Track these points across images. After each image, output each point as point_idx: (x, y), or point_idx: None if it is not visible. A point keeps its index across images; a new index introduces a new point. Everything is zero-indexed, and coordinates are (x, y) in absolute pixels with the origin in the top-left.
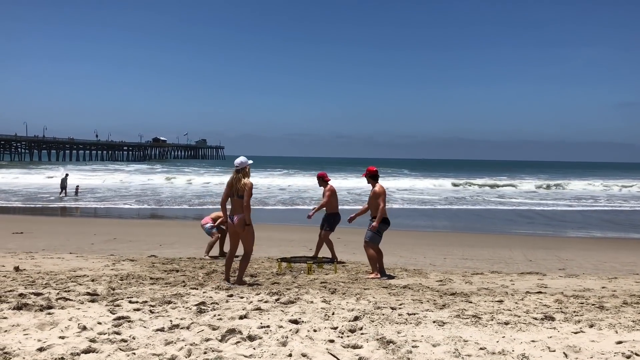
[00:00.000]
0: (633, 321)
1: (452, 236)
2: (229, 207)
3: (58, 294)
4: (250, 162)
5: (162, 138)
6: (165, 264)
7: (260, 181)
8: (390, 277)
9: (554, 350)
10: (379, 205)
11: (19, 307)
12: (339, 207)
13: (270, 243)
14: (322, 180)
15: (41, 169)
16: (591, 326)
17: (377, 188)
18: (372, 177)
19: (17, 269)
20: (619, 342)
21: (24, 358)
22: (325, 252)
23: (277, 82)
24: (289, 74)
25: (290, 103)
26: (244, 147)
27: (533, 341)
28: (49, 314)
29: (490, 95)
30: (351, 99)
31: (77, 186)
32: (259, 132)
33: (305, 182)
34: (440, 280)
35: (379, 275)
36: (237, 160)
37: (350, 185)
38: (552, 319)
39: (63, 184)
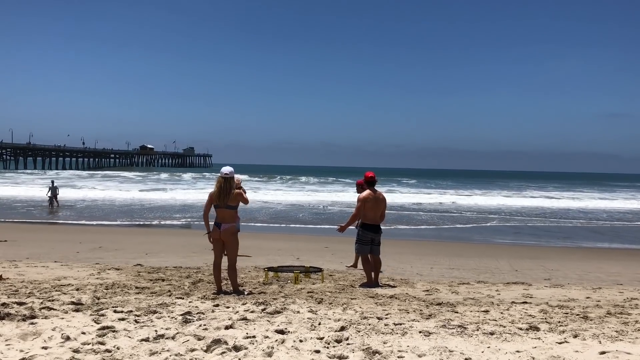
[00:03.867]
0: (616, 331)
1: (439, 246)
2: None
3: (42, 303)
4: (238, 175)
5: (149, 146)
6: (151, 272)
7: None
8: (377, 287)
9: None
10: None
11: (1, 317)
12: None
13: (258, 252)
14: (360, 187)
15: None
16: (575, 336)
17: (361, 194)
18: (368, 184)
19: (0, 277)
20: (602, 353)
21: None
22: (319, 263)
23: (264, 90)
24: (276, 82)
25: (278, 111)
26: (231, 155)
27: (518, 351)
28: (32, 323)
29: (477, 106)
30: (340, 107)
31: (53, 193)
32: (246, 141)
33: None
34: (427, 290)
35: (370, 283)
36: (226, 169)
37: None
38: (537, 329)
39: (54, 193)
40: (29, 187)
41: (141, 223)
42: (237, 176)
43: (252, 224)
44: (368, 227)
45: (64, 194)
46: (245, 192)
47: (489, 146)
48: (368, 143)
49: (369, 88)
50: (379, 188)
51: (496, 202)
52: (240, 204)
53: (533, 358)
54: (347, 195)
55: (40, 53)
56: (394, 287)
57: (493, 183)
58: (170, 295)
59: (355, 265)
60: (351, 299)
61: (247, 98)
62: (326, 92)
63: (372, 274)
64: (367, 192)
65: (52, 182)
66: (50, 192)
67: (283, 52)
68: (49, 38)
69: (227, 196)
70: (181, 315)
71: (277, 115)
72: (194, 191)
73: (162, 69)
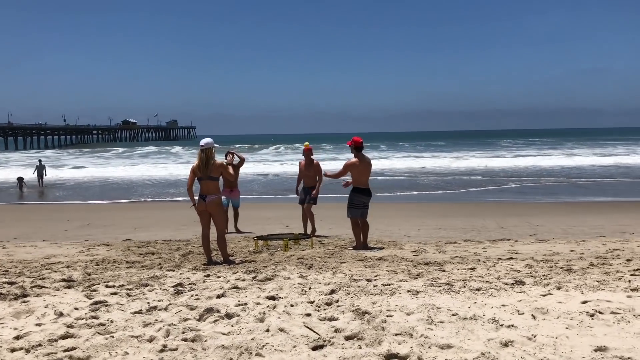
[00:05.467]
0: (598, 281)
1: (426, 207)
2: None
3: (32, 282)
4: (216, 145)
5: (131, 120)
6: (140, 247)
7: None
8: (366, 249)
9: (523, 313)
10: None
11: None
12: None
13: (247, 222)
14: (311, 153)
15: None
16: (559, 288)
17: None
18: (357, 149)
19: None
20: (584, 302)
21: (0, 346)
22: (308, 229)
23: (246, 58)
24: (258, 49)
25: (261, 80)
26: (215, 126)
27: (503, 305)
28: (24, 302)
29: (463, 66)
30: (325, 72)
31: (21, 178)
32: (230, 111)
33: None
34: (415, 251)
35: (359, 246)
36: (203, 141)
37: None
38: (522, 283)
39: (40, 173)
40: (10, 169)
41: (129, 200)
42: (238, 155)
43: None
44: (362, 191)
45: (48, 173)
46: (236, 167)
47: (475, 106)
48: (353, 109)
49: (356, 53)
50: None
51: (491, 163)
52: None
53: (518, 311)
54: (337, 164)
55: (15, 28)
56: (383, 249)
57: (484, 143)
58: (161, 268)
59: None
60: (340, 262)
61: (229, 67)
62: (311, 58)
63: (361, 236)
64: (355, 159)
65: (40, 160)
66: (36, 171)
67: (264, 18)
68: (25, 12)
69: (206, 167)
70: (173, 287)
71: (260, 84)
72: (181, 165)
73: (140, 38)
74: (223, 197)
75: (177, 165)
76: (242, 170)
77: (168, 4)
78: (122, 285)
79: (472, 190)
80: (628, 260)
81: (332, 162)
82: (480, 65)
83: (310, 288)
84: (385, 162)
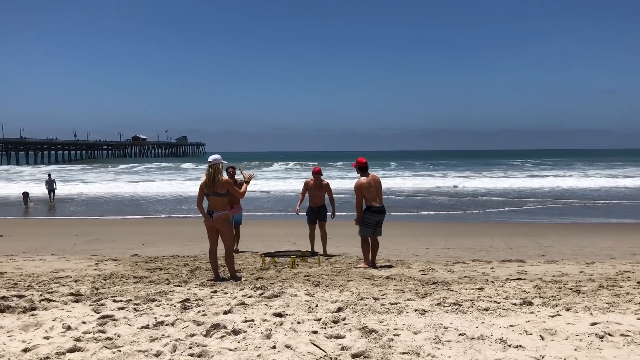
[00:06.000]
0: (608, 303)
1: (435, 226)
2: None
3: (41, 295)
4: (225, 162)
5: (141, 136)
6: (148, 262)
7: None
8: (374, 268)
9: (531, 334)
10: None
11: (1, 310)
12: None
13: (254, 238)
14: (321, 175)
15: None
16: (568, 309)
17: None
18: (361, 170)
19: None
20: (594, 324)
21: (9, 359)
22: (315, 247)
23: (256, 76)
24: (268, 67)
25: (270, 97)
26: (224, 142)
27: (511, 326)
28: (33, 315)
29: (472, 86)
30: (332, 91)
31: (26, 193)
32: (239, 128)
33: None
34: (423, 270)
35: (366, 266)
36: (211, 157)
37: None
38: (531, 303)
39: (51, 187)
40: (20, 184)
41: (138, 216)
42: (246, 172)
43: (249, 212)
44: (375, 210)
45: (58, 188)
46: (243, 185)
47: (485, 126)
48: (360, 126)
49: (366, 71)
50: (376, 172)
51: (501, 184)
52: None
53: (526, 331)
54: (345, 182)
55: (27, 47)
56: (390, 268)
57: (494, 162)
58: (168, 284)
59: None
60: (348, 281)
61: (239, 85)
62: (319, 77)
63: (370, 255)
64: (362, 179)
65: (49, 175)
66: (47, 186)
67: (274, 37)
68: (33, 34)
69: (213, 184)
70: (180, 302)
71: (269, 101)
72: (190, 182)
73: (152, 58)
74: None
75: (186, 182)
76: (251, 187)
77: (179, 21)
78: (130, 300)
79: (481, 211)
80: (638, 282)
81: (342, 181)
82: (490, 85)
83: (317, 305)
84: (395, 181)
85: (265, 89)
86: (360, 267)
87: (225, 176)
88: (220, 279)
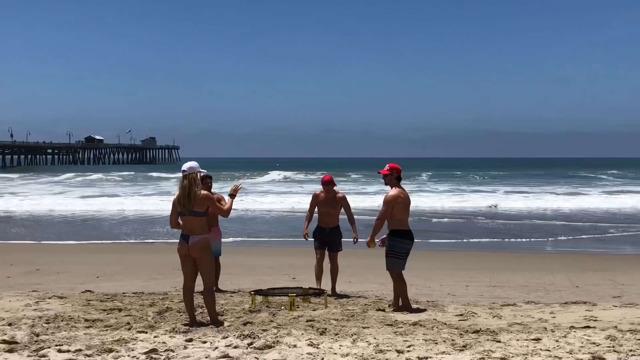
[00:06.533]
0: None
1: (477, 257)
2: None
3: None
4: (204, 171)
5: (97, 137)
6: (104, 301)
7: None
8: (398, 311)
9: None
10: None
11: None
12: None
13: (241, 272)
14: (333, 185)
15: None
16: None
17: (390, 192)
18: (399, 179)
19: None
20: None
21: None
22: (322, 283)
23: (246, 64)
24: (261, 54)
25: (264, 89)
26: (204, 146)
27: None
28: None
29: (527, 76)
30: (344, 85)
31: None
32: (223, 127)
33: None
34: (461, 315)
35: (405, 312)
36: (186, 165)
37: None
38: (602, 359)
39: None
40: None
41: (91, 241)
42: (235, 182)
43: (233, 238)
44: (407, 235)
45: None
46: (227, 200)
47: (545, 126)
48: (381, 126)
49: (387, 57)
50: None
51: (567, 203)
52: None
53: None
54: (361, 199)
55: None
56: (419, 311)
57: (555, 174)
58: (129, 329)
59: (397, 304)
60: (363, 327)
61: (224, 74)
62: (326, 64)
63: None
64: (397, 190)
65: None
66: None
67: (268, 14)
68: None
69: (188, 199)
70: (145, 353)
71: (262, 94)
72: (159, 197)
73: (110, 37)
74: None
75: (154, 197)
76: (235, 204)
77: (149, 5)
78: (80, 350)
79: (539, 239)
80: None
81: (358, 197)
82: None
83: None
84: (428, 198)
85: (258, 79)
86: (392, 310)
87: (201, 189)
88: (197, 323)
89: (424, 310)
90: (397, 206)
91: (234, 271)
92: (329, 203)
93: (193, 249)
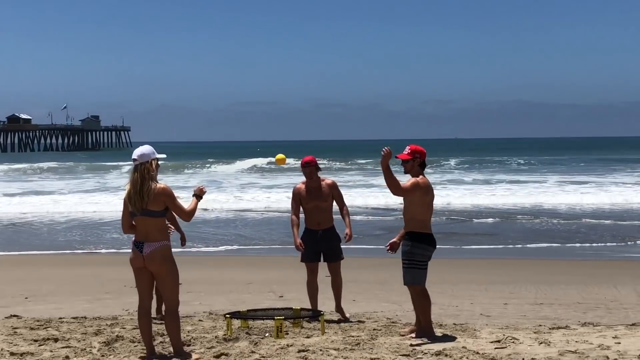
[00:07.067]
0: None
1: (518, 267)
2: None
3: None
4: (162, 155)
5: (23, 116)
6: (35, 329)
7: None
8: (420, 337)
9: None
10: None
11: None
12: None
13: (213, 289)
14: (317, 168)
15: None
16: None
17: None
18: (423, 165)
19: None
20: None
21: None
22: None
23: (214, 15)
24: (239, 10)
25: (242, 55)
26: (161, 127)
27: None
28: None
29: (576, 34)
30: (344, 48)
31: None
32: (187, 102)
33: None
34: (498, 341)
35: (425, 338)
36: (137, 152)
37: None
38: None
39: None
40: None
41: (16, 253)
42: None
43: (201, 247)
44: (429, 240)
45: None
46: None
47: (603, 97)
48: (392, 99)
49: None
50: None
51: (634, 196)
52: (177, 217)
53: None
54: (370, 194)
55: None
56: (444, 337)
57: (616, 159)
58: None
59: (417, 328)
60: (371, 359)
61: (190, 36)
62: (320, 21)
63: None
64: (422, 177)
65: None
66: None
67: None
68: None
69: (140, 195)
70: None
71: (240, 61)
72: (106, 194)
73: None
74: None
75: (100, 194)
76: (203, 204)
77: None
78: None
79: (600, 244)
80: None
81: (364, 191)
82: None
83: None
84: (455, 191)
85: (234, 43)
86: (409, 336)
87: (161, 183)
88: (156, 356)
89: (451, 336)
90: (426, 195)
91: (204, 288)
92: (314, 194)
93: (149, 259)
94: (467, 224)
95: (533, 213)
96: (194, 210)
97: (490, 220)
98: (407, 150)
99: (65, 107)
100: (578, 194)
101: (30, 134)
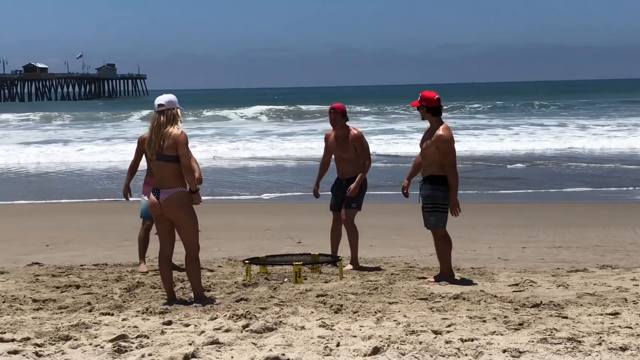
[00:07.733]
0: None
1: (537, 210)
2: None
3: None
4: (180, 108)
5: (40, 65)
6: (57, 276)
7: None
8: (438, 281)
9: None
10: (445, 159)
11: None
12: None
13: (230, 236)
14: (342, 116)
15: None
16: None
17: (440, 131)
18: (433, 111)
19: None
20: None
21: None
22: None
23: None
24: None
25: (257, 1)
26: (176, 75)
27: None
28: None
29: None
30: None
31: None
32: (200, 50)
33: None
34: (516, 284)
35: (443, 282)
36: (161, 99)
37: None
38: None
39: None
40: None
41: (38, 201)
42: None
43: (220, 190)
44: (447, 183)
45: None
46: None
47: (614, 39)
48: (408, 44)
49: None
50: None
51: None
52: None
53: None
54: (385, 139)
55: None
56: (462, 281)
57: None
58: (91, 311)
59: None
60: (389, 303)
61: None
62: None
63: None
64: (445, 129)
65: None
66: None
67: None
68: None
69: (160, 136)
70: (111, 341)
71: (251, 7)
72: (124, 143)
73: None
74: (144, 198)
75: (119, 143)
76: (223, 150)
77: None
78: (27, 339)
79: (619, 187)
80: None
81: (382, 138)
82: None
83: (338, 345)
84: (474, 136)
85: None
86: (428, 280)
87: (179, 128)
88: (177, 301)
89: (468, 280)
90: (449, 147)
91: (223, 235)
92: (338, 144)
93: (166, 206)
94: (484, 168)
95: (557, 158)
96: (193, 171)
97: (511, 165)
98: (417, 101)
99: (81, 56)
100: (604, 139)
101: (47, 82)
